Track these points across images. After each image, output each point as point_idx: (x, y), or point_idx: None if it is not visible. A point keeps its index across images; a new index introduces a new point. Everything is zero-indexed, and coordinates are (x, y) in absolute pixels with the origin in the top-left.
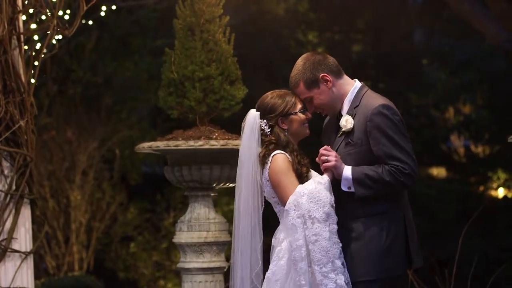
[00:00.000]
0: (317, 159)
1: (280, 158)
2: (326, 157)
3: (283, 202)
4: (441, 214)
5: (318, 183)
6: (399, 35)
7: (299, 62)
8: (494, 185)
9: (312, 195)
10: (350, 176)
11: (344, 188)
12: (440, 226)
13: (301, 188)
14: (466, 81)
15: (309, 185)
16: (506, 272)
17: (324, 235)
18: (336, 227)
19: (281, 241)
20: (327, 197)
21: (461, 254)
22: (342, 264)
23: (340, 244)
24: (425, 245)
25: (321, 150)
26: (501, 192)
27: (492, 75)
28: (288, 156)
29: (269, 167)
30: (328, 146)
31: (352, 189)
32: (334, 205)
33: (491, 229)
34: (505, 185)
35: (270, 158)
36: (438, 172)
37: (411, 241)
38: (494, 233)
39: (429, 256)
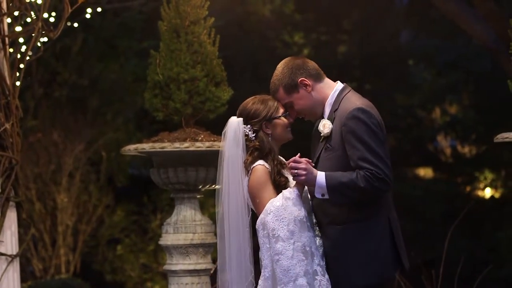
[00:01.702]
0: (288, 166)
1: (259, 171)
2: (295, 171)
3: (258, 216)
4: (428, 215)
5: (286, 198)
6: (385, 35)
7: (279, 67)
8: (481, 185)
9: (278, 212)
10: (324, 184)
11: (317, 195)
12: (427, 226)
13: (269, 205)
14: (453, 82)
15: (276, 202)
16: (492, 273)
17: (287, 254)
18: (300, 244)
19: None
20: (292, 214)
21: (448, 254)
22: (309, 281)
23: (306, 261)
24: (411, 245)
25: (291, 162)
26: (488, 192)
27: (478, 76)
28: (268, 166)
29: (249, 179)
30: (298, 155)
31: (326, 196)
32: (304, 218)
33: (478, 229)
34: (492, 185)
35: (250, 170)
36: (425, 172)
37: (398, 243)
38: (481, 233)
39: (416, 257)
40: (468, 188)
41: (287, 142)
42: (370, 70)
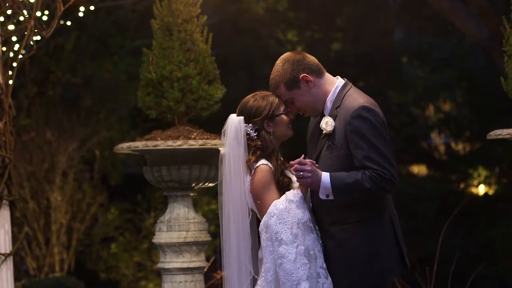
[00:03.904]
0: (292, 168)
1: (262, 171)
2: (301, 173)
3: (261, 217)
4: (422, 212)
5: (289, 201)
6: (378, 33)
7: (279, 63)
8: (475, 182)
9: (281, 215)
10: (329, 185)
11: (322, 196)
12: (420, 223)
13: (272, 207)
14: (446, 79)
15: (280, 204)
16: (486, 269)
17: (289, 258)
18: (303, 248)
19: None
20: (296, 217)
21: (442, 251)
22: (312, 285)
23: (309, 265)
24: (405, 243)
25: (296, 165)
26: (481, 189)
27: (471, 73)
28: (272, 166)
29: (252, 178)
30: (303, 156)
31: (331, 197)
32: (308, 221)
33: (472, 226)
34: (485, 182)
35: (253, 169)
36: (419, 169)
37: (401, 242)
38: (475, 230)
39: (410, 254)
40: (462, 185)
41: (286, 139)
42: (363, 68)
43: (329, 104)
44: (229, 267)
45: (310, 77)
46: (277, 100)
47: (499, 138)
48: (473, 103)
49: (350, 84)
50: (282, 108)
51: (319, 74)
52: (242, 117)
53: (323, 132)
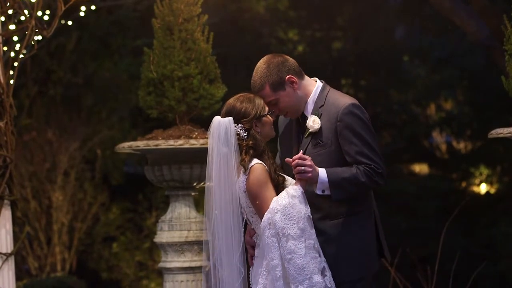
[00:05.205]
0: (292, 163)
1: (259, 169)
2: (302, 168)
3: (261, 216)
4: (423, 211)
5: (292, 196)
6: (379, 32)
7: (262, 65)
8: (476, 181)
9: (285, 211)
10: (326, 180)
11: (318, 192)
12: (422, 222)
13: (275, 204)
14: (447, 78)
15: (282, 200)
16: (487, 269)
17: (299, 252)
18: (312, 242)
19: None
20: (301, 211)
21: (443, 250)
22: (324, 277)
23: (319, 258)
24: (406, 242)
25: (297, 159)
26: (483, 188)
27: (472, 72)
28: (265, 165)
29: (247, 178)
30: (295, 149)
31: (327, 192)
32: (311, 216)
33: (473, 225)
34: (487, 181)
35: (248, 169)
36: (420, 168)
37: (381, 235)
38: (476, 229)
39: (411, 253)
40: (463, 184)
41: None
42: (364, 67)
43: (310, 104)
44: (221, 267)
45: (295, 78)
46: (262, 101)
47: (500, 136)
48: (474, 102)
49: (329, 86)
50: (267, 109)
51: (301, 76)
52: (231, 118)
53: (309, 130)
